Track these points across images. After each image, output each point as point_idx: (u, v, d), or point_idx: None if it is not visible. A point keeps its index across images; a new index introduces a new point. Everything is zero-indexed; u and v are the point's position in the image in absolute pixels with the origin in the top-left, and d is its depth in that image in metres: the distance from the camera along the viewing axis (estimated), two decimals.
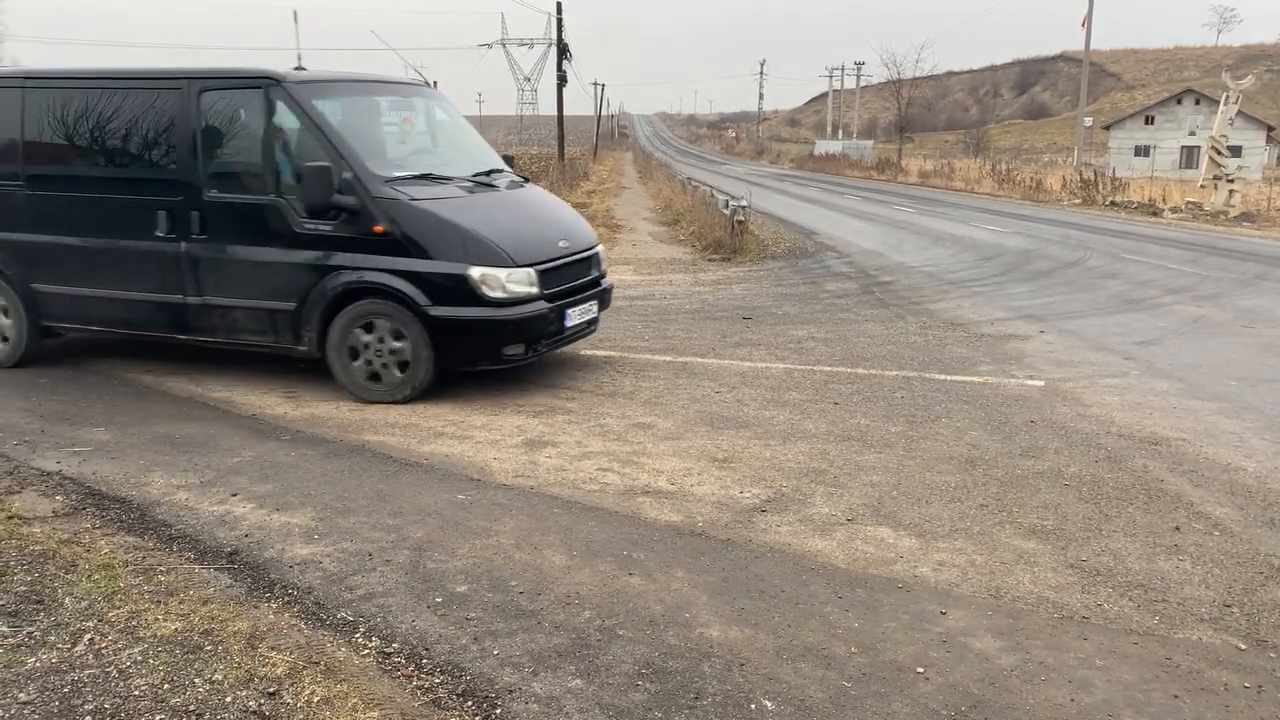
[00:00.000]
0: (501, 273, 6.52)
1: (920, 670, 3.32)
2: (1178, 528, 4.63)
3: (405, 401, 6.63)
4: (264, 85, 6.67)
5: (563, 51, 37.99)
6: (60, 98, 7.24)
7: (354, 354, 6.70)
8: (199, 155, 6.82)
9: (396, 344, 6.60)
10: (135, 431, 6.02)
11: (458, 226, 6.57)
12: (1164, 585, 4.02)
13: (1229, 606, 3.85)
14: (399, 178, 6.72)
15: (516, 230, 6.94)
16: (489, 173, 7.59)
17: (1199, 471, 5.45)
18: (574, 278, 7.23)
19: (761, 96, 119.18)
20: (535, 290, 6.70)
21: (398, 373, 6.65)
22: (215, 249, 6.85)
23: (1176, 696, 3.21)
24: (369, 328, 6.62)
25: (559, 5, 37.40)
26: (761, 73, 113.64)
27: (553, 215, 7.77)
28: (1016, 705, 3.12)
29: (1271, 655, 3.49)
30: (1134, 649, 3.51)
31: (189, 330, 7.13)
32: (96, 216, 7.15)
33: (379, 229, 6.47)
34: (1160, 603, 3.87)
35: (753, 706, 3.09)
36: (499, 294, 6.51)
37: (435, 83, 8.52)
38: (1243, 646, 3.54)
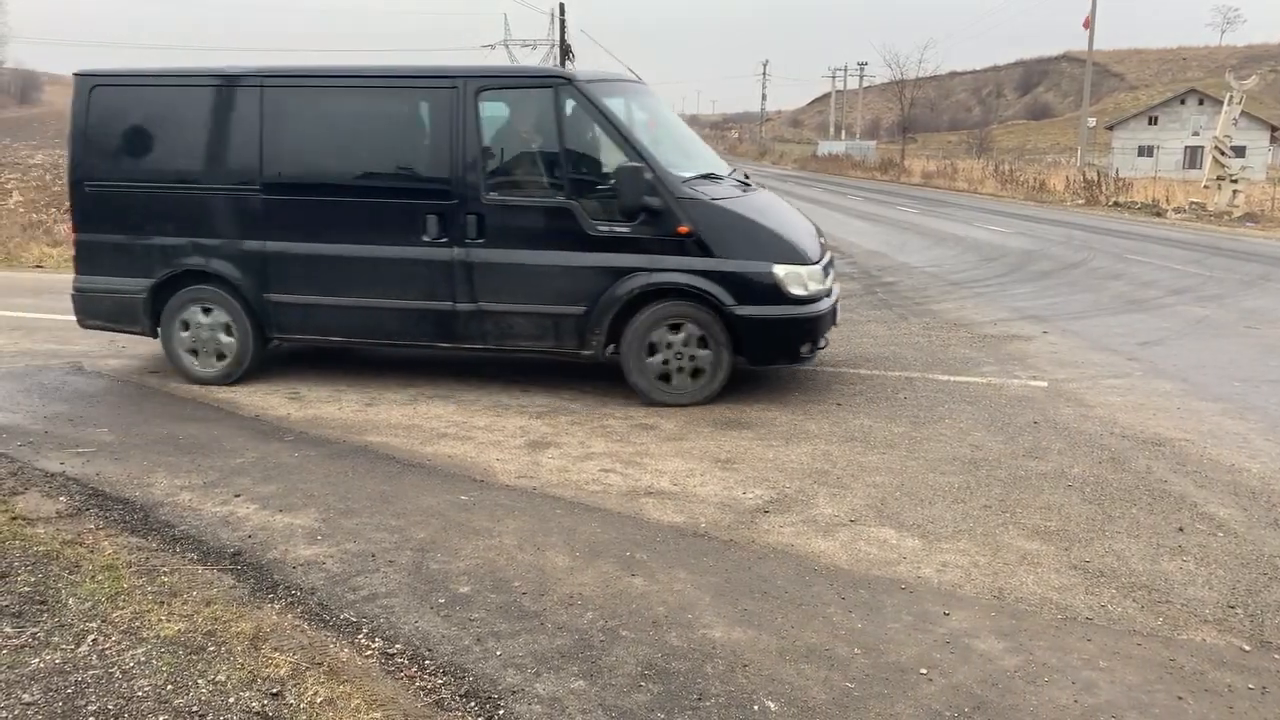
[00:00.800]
0: (804, 270, 6.50)
1: (923, 671, 3.32)
2: (1181, 529, 4.62)
3: (704, 403, 6.59)
4: (554, 85, 6.58)
5: (565, 52, 38.07)
6: (307, 98, 6.98)
7: (651, 357, 6.59)
8: (477, 157, 6.60)
9: (698, 346, 6.52)
10: (138, 432, 6.03)
11: (759, 225, 6.55)
12: (1168, 586, 4.02)
13: (1233, 608, 3.84)
14: (692, 178, 6.64)
15: (794, 228, 6.91)
16: (733, 171, 7.55)
17: (1203, 472, 5.44)
18: (828, 274, 7.13)
19: (764, 97, 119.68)
20: (824, 287, 6.67)
21: (699, 373, 6.58)
22: (495, 254, 6.59)
23: (1180, 698, 3.20)
24: (667, 330, 6.51)
25: (561, 6, 37.49)
26: (764, 73, 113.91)
27: (797, 213, 7.70)
28: (1020, 706, 3.12)
29: (1276, 656, 3.48)
30: (1138, 650, 3.50)
31: (455, 338, 6.87)
32: (349, 222, 6.82)
33: (683, 230, 6.37)
34: (1164, 604, 3.87)
35: (756, 707, 3.09)
36: (799, 291, 6.47)
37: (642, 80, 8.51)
38: (1247, 648, 3.54)
